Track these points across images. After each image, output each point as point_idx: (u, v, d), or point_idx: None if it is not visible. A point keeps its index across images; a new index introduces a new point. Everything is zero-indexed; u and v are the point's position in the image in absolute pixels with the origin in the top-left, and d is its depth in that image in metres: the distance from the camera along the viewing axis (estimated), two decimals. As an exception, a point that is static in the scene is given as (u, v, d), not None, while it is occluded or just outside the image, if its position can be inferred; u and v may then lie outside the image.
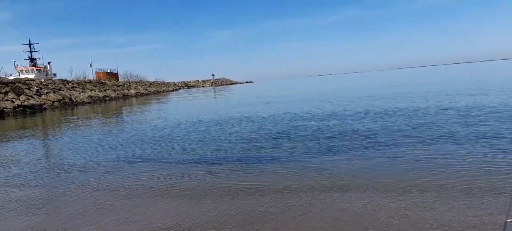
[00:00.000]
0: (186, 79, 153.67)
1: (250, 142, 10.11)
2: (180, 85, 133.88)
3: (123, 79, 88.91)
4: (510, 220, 3.82)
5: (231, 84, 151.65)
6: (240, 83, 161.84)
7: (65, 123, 21.68)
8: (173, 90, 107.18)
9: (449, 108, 14.12)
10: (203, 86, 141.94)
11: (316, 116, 15.30)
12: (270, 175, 6.49)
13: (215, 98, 42.88)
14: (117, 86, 69.47)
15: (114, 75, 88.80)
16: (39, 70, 59.91)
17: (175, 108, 28.74)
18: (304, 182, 5.94)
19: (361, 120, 12.80)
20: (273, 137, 10.67)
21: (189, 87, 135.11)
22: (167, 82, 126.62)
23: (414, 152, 7.41)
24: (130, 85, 78.89)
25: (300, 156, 7.98)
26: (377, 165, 6.67)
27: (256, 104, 25.52)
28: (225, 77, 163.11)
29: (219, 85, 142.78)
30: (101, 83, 63.04)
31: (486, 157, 6.58)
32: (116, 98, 57.24)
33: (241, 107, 23.23)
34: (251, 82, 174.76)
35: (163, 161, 8.42)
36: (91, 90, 52.88)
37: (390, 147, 8.10)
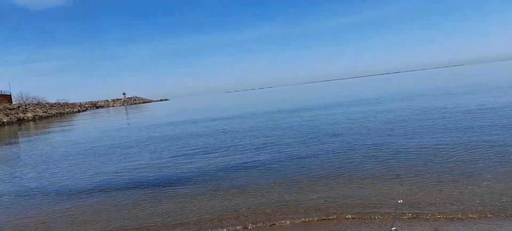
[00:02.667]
0: (95, 99, 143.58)
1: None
2: (86, 106, 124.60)
3: (17, 101, 79.83)
4: (401, 201, 5.23)
5: (145, 102, 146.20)
6: (154, 101, 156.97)
7: None
8: (78, 111, 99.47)
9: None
10: (113, 106, 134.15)
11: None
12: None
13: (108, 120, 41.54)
14: (9, 109, 62.28)
15: (6, 97, 79.34)
16: None
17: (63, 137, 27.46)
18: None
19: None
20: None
21: (97, 107, 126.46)
22: (72, 104, 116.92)
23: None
24: (26, 108, 71.23)
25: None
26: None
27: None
28: (138, 96, 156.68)
29: (131, 104, 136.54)
30: (-12, 107, 55.86)
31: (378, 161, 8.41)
32: (9, 123, 51.40)
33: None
34: (166, 100, 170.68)
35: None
36: (-24, 115, 46.65)
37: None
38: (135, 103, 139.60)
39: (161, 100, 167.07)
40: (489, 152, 7.77)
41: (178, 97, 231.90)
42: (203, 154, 11.16)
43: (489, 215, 4.68)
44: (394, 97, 26.92)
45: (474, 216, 4.71)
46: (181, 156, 11.32)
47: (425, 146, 9.02)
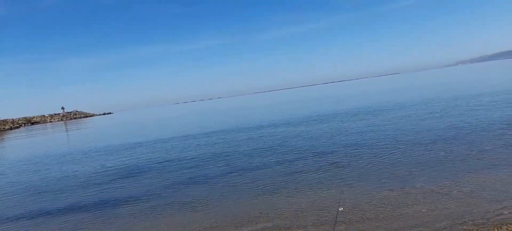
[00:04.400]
0: (30, 114, 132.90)
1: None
2: (20, 122, 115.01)
3: None
4: (341, 208, 5.45)
5: (86, 117, 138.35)
6: (97, 115, 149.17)
7: None
8: (11, 128, 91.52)
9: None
10: (51, 121, 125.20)
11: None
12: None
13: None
14: None
15: None
16: None
17: None
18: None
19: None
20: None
21: (32, 124, 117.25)
22: (3, 120, 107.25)
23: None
24: None
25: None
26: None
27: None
28: (78, 110, 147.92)
29: (71, 119, 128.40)
30: None
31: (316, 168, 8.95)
32: None
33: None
34: (110, 113, 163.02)
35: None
36: None
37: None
38: (75, 118, 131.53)
39: (104, 114, 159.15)
40: (423, 156, 8.69)
41: (123, 111, 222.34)
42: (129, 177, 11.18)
43: (423, 211, 5.23)
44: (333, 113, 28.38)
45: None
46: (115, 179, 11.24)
47: (364, 155, 9.83)
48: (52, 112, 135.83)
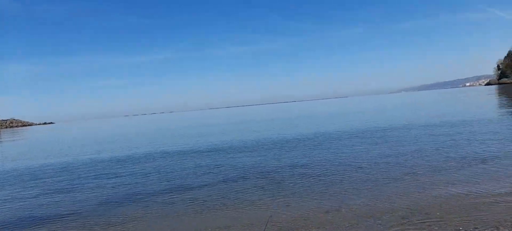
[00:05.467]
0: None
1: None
2: None
3: None
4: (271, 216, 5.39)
5: (24, 126, 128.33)
6: (36, 124, 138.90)
7: None
8: None
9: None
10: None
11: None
12: None
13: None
14: None
15: None
16: None
17: None
18: None
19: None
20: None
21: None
22: None
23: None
24: None
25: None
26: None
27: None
28: (16, 118, 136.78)
29: (6, 127, 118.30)
30: None
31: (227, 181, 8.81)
32: None
33: None
34: (51, 123, 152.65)
35: None
36: None
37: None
38: (11, 126, 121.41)
39: (44, 123, 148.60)
40: (354, 173, 9.01)
41: (68, 121, 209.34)
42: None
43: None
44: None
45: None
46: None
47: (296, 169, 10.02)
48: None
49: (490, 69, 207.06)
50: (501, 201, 6.24)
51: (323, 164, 10.99)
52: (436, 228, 5.33)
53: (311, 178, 9.26)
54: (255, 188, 8.66)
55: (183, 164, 13.15)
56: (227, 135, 25.12)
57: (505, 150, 10.83)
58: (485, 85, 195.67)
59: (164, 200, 8.27)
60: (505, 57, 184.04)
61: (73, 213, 7.73)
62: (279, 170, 10.56)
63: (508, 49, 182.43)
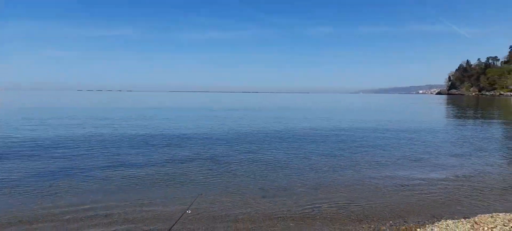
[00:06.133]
0: None
1: None
2: None
3: None
4: (189, 211, 5.31)
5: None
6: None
7: None
8: None
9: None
10: None
11: None
12: None
13: None
14: None
15: None
16: None
17: None
18: None
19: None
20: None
21: None
22: None
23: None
24: None
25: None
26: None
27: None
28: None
29: None
30: None
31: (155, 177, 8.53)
32: None
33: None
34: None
35: None
36: None
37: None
38: None
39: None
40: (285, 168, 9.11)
41: (11, 89, 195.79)
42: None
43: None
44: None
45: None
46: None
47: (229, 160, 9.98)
48: None
49: (441, 80, 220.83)
50: (426, 195, 6.59)
51: (271, 153, 11.06)
52: (372, 217, 5.52)
53: (256, 164, 9.27)
54: (197, 169, 8.54)
55: (132, 143, 12.67)
56: (180, 122, 24.69)
57: (441, 151, 11.50)
58: (436, 94, 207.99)
59: (103, 175, 7.92)
60: (456, 70, 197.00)
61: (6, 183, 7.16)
62: (226, 156, 10.48)
63: (460, 63, 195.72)
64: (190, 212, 5.50)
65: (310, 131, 16.77)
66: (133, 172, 8.20)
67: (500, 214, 5.40)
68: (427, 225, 5.16)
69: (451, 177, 8.10)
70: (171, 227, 4.93)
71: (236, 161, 9.66)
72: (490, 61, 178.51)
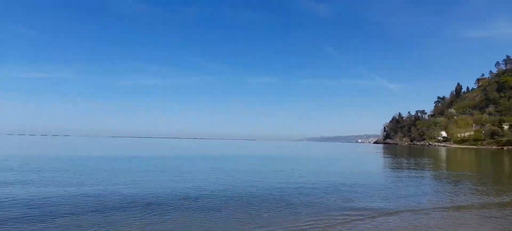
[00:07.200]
0: None
1: None
2: None
3: None
4: None
5: None
6: None
7: None
8: None
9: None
10: None
11: None
12: None
13: None
14: None
15: None
16: None
17: None
18: None
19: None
20: None
21: None
22: None
23: None
24: None
25: None
26: None
27: None
28: None
29: None
30: None
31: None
32: None
33: None
34: None
35: None
36: None
37: None
38: None
39: None
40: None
41: None
42: None
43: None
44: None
45: None
46: None
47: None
48: None
49: (378, 130, 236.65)
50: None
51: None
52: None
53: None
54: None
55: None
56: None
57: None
58: (373, 143, 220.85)
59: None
60: (390, 121, 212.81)
61: None
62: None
63: (393, 115, 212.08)
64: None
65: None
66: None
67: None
68: None
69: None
70: None
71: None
72: (419, 114, 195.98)
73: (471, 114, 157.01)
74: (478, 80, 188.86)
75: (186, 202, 9.43)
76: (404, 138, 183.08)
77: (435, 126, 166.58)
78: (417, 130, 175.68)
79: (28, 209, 8.21)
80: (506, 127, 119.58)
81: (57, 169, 17.09)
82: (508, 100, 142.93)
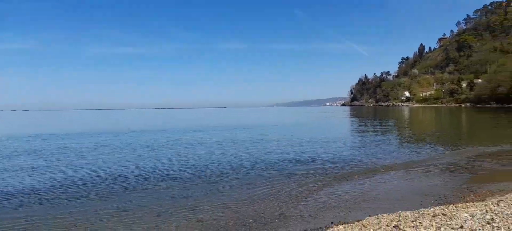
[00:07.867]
0: None
1: None
2: None
3: None
4: None
5: None
6: None
7: None
8: None
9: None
10: None
11: None
12: None
13: None
14: None
15: None
16: None
17: None
18: None
19: None
20: None
21: None
22: None
23: None
24: None
25: None
26: None
27: None
28: None
29: None
30: None
31: None
32: None
33: None
34: None
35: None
36: None
37: None
38: None
39: None
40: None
41: None
42: None
43: None
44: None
45: None
46: None
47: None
48: None
49: (345, 93, 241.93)
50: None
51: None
52: None
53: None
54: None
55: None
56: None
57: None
58: (341, 106, 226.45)
59: None
60: (357, 83, 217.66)
61: None
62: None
63: (359, 77, 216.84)
64: None
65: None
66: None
67: (384, 215, 5.53)
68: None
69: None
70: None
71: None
72: (384, 75, 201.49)
73: (433, 74, 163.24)
74: (439, 40, 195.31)
75: (155, 177, 8.55)
76: (370, 99, 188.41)
77: (399, 86, 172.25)
78: (382, 91, 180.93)
79: None
80: (464, 85, 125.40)
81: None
82: (467, 59, 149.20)
